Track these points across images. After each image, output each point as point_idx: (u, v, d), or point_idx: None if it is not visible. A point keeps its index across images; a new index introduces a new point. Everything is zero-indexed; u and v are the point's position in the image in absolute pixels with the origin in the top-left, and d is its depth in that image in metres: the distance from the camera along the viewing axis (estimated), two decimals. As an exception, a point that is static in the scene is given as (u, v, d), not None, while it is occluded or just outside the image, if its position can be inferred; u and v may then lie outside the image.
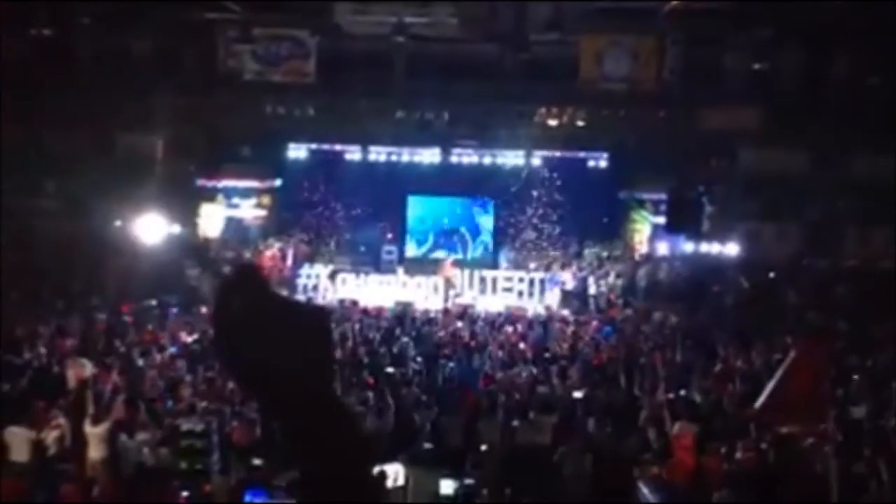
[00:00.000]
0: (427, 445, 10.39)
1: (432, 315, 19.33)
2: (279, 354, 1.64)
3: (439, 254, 24.15)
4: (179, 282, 20.45)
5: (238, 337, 1.67)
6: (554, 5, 20.61)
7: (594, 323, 18.74)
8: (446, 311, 19.89)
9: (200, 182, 23.23)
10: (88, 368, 11.42)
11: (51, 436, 10.18)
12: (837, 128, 19.92)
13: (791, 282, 19.71)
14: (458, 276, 22.17)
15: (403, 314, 18.98)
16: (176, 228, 20.30)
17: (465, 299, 21.53)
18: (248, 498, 9.15)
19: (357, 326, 16.71)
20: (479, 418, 12.20)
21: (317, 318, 1.79)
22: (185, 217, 21.42)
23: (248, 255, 22.46)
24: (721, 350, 15.10)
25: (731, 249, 20.59)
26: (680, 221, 19.82)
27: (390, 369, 13.31)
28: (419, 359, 14.42)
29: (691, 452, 8.94)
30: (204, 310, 18.70)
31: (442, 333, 17.21)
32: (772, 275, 20.43)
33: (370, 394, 12.40)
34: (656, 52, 21.77)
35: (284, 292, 21.56)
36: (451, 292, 21.72)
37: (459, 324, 18.17)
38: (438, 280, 22.14)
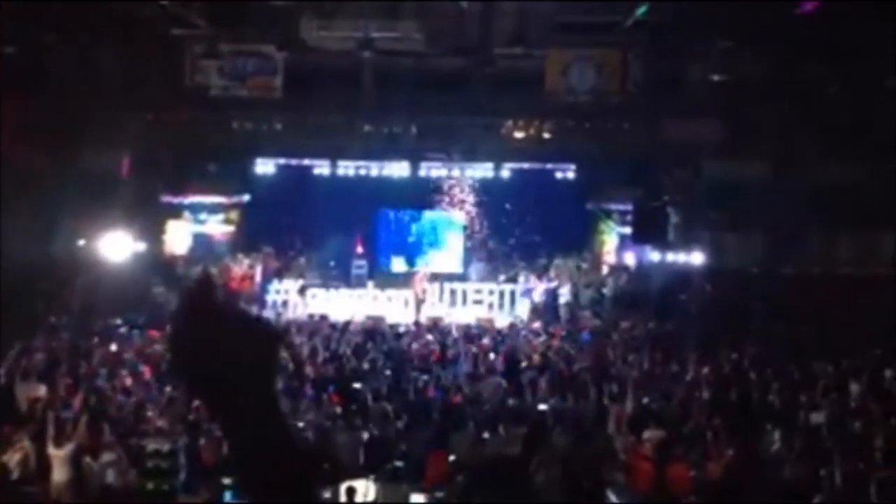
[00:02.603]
0: (398, 463, 10.38)
1: (402, 329, 19.31)
2: (228, 364, 1.70)
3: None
4: (146, 300, 20.27)
5: (192, 346, 1.73)
6: (518, 20, 20.81)
7: (560, 332, 18.85)
8: (417, 325, 19.90)
9: (166, 198, 23.07)
10: (42, 390, 11.31)
11: (14, 458, 10.02)
12: (798, 137, 20.26)
13: (755, 289, 19.97)
14: (429, 289, 22.21)
15: (374, 329, 18.94)
16: (142, 246, 20.13)
17: (436, 312, 21.57)
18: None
19: (323, 341, 16.66)
20: (449, 431, 12.20)
21: (268, 335, 1.86)
22: (150, 234, 21.25)
23: (215, 271, 22.31)
24: (689, 357, 15.25)
25: (697, 258, 20.83)
26: (645, 232, 20.03)
27: (357, 385, 13.28)
28: (387, 372, 14.38)
29: (650, 461, 9.04)
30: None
31: (413, 347, 17.20)
32: (737, 282, 20.68)
33: (338, 409, 12.37)
34: (620, 64, 22.06)
35: (254, 308, 21.51)
36: (423, 305, 21.76)
37: (430, 337, 18.18)
38: (409, 294, 22.17)
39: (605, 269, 23.58)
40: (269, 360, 1.84)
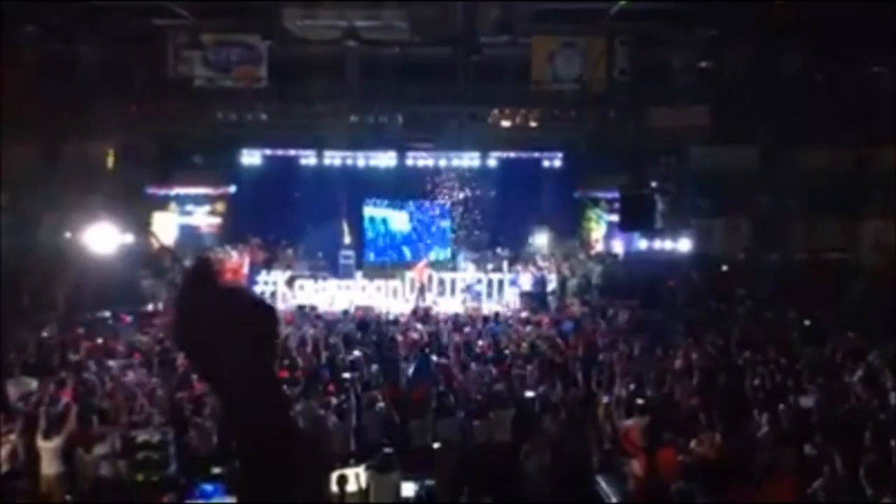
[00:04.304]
0: (387, 450, 10.38)
1: (392, 318, 19.28)
2: (230, 338, 1.74)
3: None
4: (133, 292, 20.16)
5: (196, 323, 1.76)
6: (503, 7, 20.77)
7: (547, 320, 18.88)
8: (415, 313, 19.90)
9: (152, 190, 22.94)
10: (33, 385, 11.24)
11: (2, 452, 9.97)
12: (784, 123, 20.36)
13: (742, 275, 20.09)
14: (427, 278, 22.25)
15: (366, 319, 18.88)
16: (128, 238, 19.99)
17: (426, 301, 21.58)
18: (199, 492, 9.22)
19: (312, 332, 16.61)
20: (438, 418, 12.22)
21: (266, 310, 1.90)
22: (137, 226, 21.11)
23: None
24: (677, 344, 15.31)
25: (684, 245, 20.92)
26: (633, 219, 20.08)
27: (347, 374, 13.26)
28: (374, 366, 14.34)
29: (637, 447, 9.10)
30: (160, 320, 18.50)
31: (403, 336, 17.15)
32: (724, 268, 20.80)
33: (332, 399, 12.36)
34: (606, 52, 22.07)
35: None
36: (424, 294, 21.80)
37: (420, 326, 18.17)
38: (398, 283, 22.17)
39: (593, 257, 23.63)
40: (268, 333, 1.88)
